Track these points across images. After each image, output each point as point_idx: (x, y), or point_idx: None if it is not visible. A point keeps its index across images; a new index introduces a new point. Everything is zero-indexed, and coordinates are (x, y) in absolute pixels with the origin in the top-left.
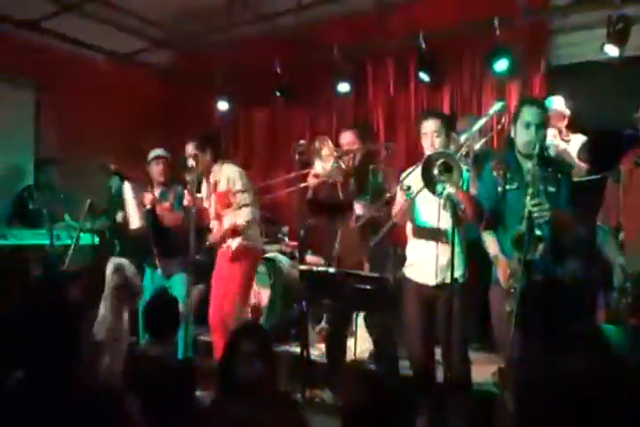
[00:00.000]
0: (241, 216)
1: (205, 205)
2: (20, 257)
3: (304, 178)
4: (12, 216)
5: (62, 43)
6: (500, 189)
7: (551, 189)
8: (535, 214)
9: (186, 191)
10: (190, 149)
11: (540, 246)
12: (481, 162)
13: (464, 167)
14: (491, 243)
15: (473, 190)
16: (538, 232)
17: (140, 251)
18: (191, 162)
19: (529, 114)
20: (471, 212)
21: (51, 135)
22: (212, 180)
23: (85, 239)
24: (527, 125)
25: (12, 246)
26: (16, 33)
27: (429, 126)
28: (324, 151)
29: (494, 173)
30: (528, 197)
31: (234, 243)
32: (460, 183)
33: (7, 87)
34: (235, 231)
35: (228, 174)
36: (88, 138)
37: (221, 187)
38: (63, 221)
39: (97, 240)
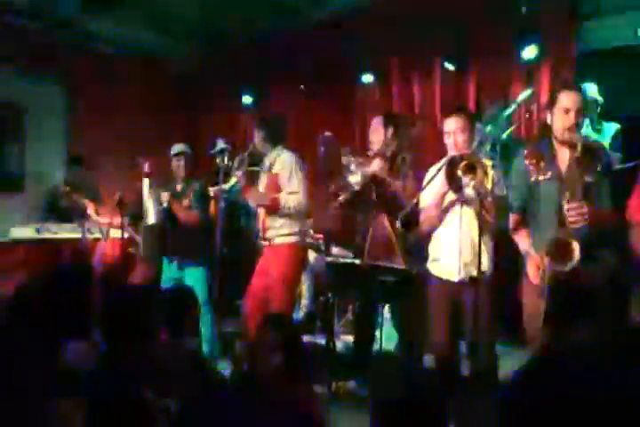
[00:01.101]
0: (289, 200)
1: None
2: (53, 250)
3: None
4: (46, 212)
5: (92, 42)
6: (532, 179)
7: (589, 179)
8: (571, 219)
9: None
10: (220, 144)
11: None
12: (509, 152)
13: (489, 163)
14: (521, 237)
15: (498, 187)
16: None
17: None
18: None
19: (568, 99)
20: (496, 208)
21: (81, 131)
22: (267, 162)
23: (115, 233)
24: (566, 111)
25: (45, 240)
26: (48, 33)
27: (452, 124)
28: (351, 167)
29: (527, 162)
30: (565, 202)
31: (278, 238)
32: (485, 181)
33: (40, 87)
34: (275, 204)
35: (285, 159)
36: (116, 135)
37: (275, 170)
38: (93, 216)
39: (126, 235)
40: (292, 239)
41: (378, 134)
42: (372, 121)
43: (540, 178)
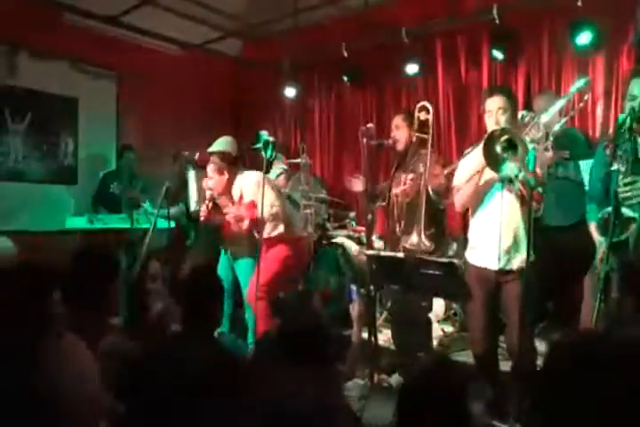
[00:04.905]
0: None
1: None
2: (104, 240)
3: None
4: (97, 201)
5: (140, 35)
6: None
7: None
8: (625, 194)
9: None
10: (264, 136)
11: (633, 227)
12: (563, 143)
13: (530, 145)
14: (593, 226)
15: (539, 170)
16: (630, 213)
17: (215, 236)
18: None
19: (636, 86)
20: (538, 193)
21: (130, 123)
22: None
23: (163, 224)
24: (632, 98)
25: (97, 230)
26: (99, 28)
27: (494, 103)
28: None
29: (606, 153)
30: (620, 176)
31: (269, 231)
32: (526, 161)
33: (92, 79)
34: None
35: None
36: (164, 125)
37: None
38: (142, 206)
39: (173, 225)
40: (284, 232)
41: (401, 132)
42: (395, 119)
43: (612, 169)
